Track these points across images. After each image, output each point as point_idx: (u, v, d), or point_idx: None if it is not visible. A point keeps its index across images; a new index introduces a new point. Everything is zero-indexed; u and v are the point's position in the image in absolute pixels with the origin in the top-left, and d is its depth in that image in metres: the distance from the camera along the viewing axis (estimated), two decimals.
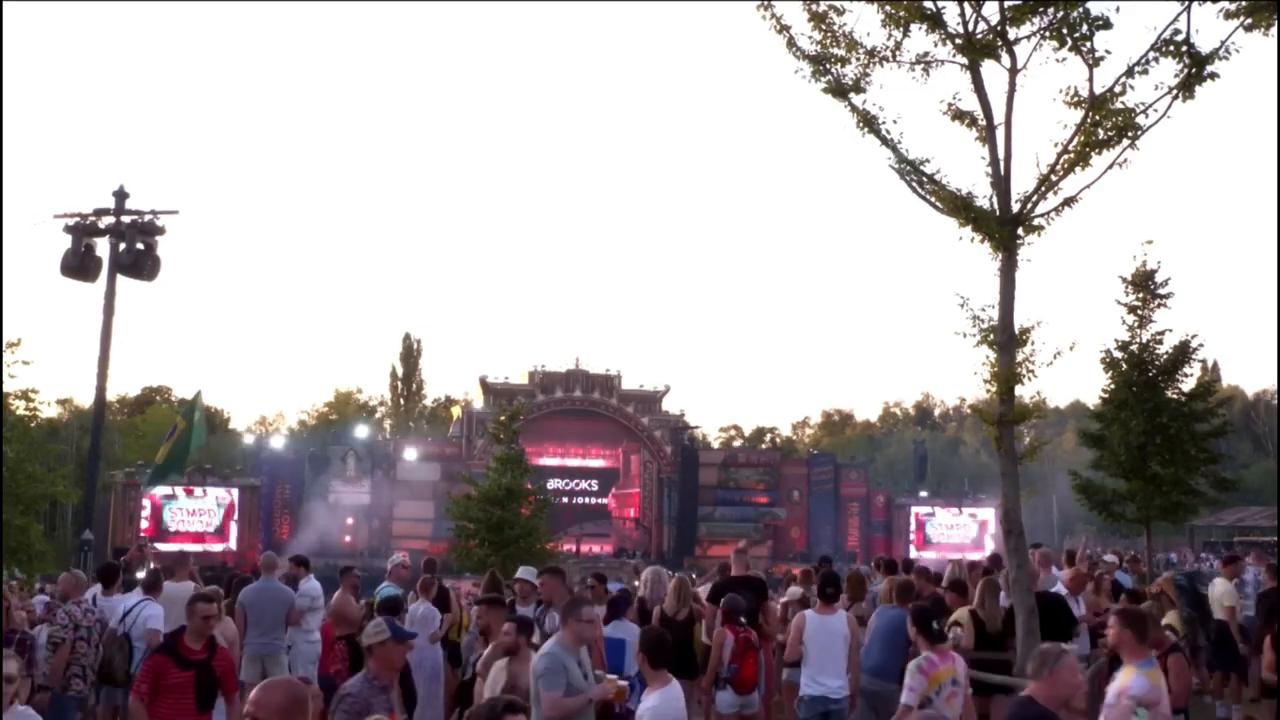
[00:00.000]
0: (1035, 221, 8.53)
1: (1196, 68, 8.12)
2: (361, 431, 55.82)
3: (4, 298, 14.72)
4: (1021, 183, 8.60)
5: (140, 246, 11.45)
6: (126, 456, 53.23)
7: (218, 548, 42.89)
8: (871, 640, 8.45)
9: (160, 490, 41.97)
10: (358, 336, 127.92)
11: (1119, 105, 8.31)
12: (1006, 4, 8.39)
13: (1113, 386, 18.59)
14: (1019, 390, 8.54)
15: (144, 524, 42.79)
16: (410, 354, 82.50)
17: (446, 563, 33.25)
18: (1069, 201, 8.52)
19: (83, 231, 11.50)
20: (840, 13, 8.85)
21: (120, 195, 11.63)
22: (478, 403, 53.69)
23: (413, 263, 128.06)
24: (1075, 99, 8.46)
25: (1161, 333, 18.38)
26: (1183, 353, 18.24)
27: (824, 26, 8.85)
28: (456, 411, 57.57)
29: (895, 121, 8.70)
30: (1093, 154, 8.35)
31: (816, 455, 60.48)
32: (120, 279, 11.52)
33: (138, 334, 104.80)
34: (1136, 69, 8.24)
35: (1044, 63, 8.51)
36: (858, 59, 8.85)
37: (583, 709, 5.92)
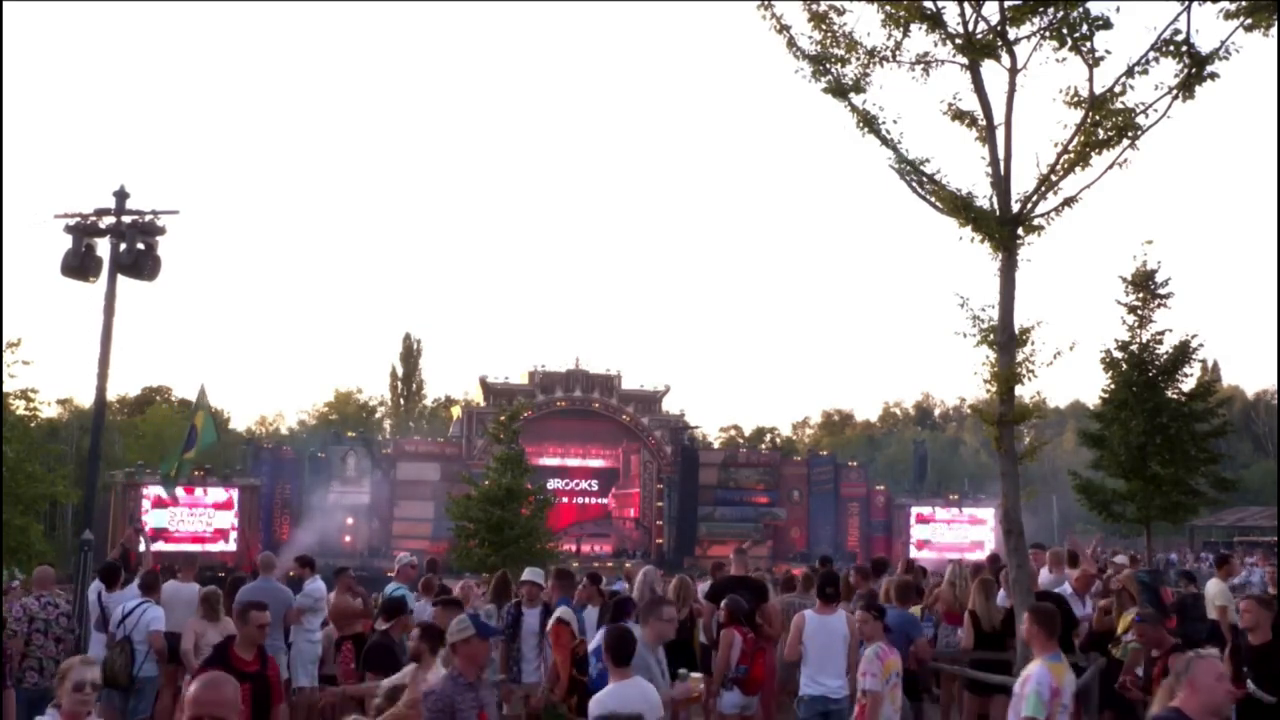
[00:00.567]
0: (1035, 221, 8.53)
1: (1196, 68, 8.12)
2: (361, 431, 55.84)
3: (4, 298, 14.72)
4: (1021, 183, 8.60)
5: (140, 246, 11.42)
6: (126, 456, 53.20)
7: (217, 548, 42.86)
8: None
9: (161, 490, 42.01)
10: (358, 336, 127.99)
11: (1119, 105, 8.31)
12: (1006, 4, 8.38)
13: (1113, 386, 18.62)
14: (1019, 390, 8.54)
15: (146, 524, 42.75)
16: (410, 354, 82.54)
17: (447, 563, 33.29)
18: (1069, 201, 8.52)
19: (83, 231, 11.48)
20: (840, 13, 8.84)
21: (120, 195, 11.62)
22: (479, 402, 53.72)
23: (413, 263, 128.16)
24: (1075, 99, 8.46)
25: (1161, 333, 18.42)
26: (1183, 353, 18.27)
27: (824, 26, 8.85)
28: (456, 411, 57.57)
29: (895, 121, 8.70)
30: (1093, 154, 8.35)
31: (816, 455, 60.45)
32: (120, 279, 11.50)
33: (138, 334, 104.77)
34: (1136, 69, 8.24)
35: (1044, 63, 8.51)
36: (858, 59, 8.84)
37: (664, 708, 5.98)
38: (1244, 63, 8.40)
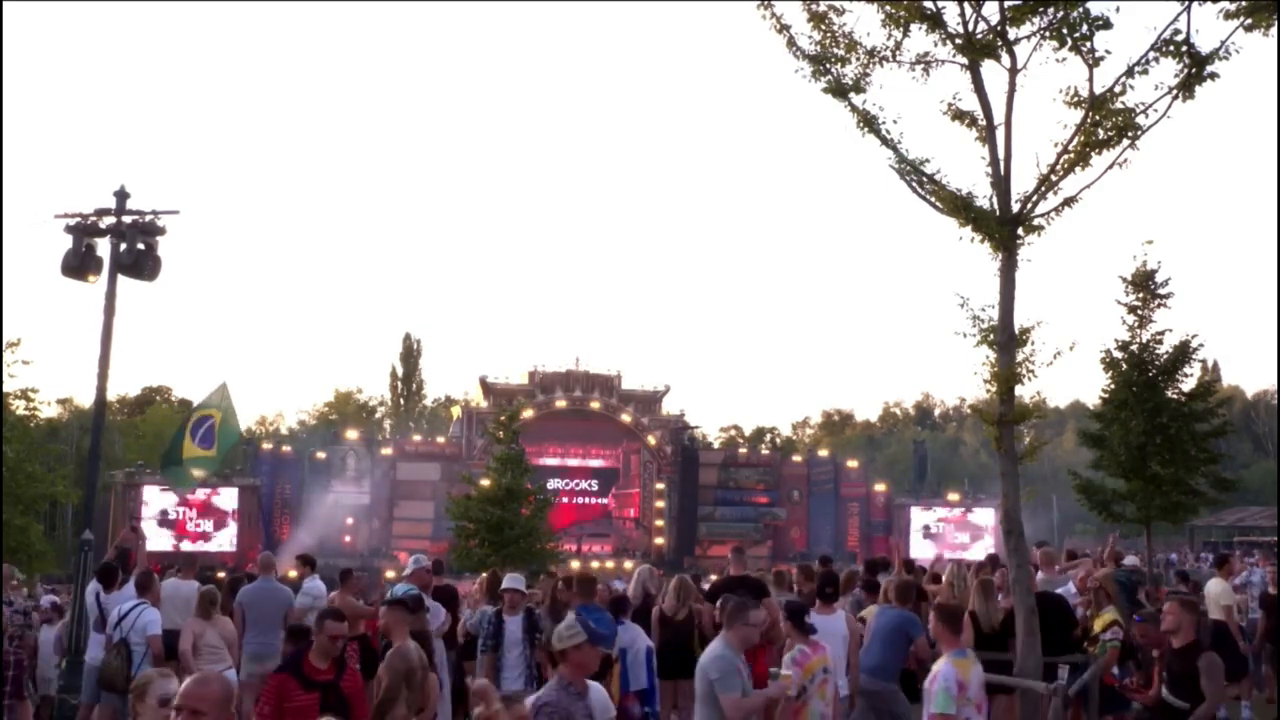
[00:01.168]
0: (1035, 221, 8.53)
1: (1196, 68, 8.12)
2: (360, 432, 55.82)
3: (4, 298, 14.71)
4: (1021, 183, 8.60)
5: (141, 246, 11.40)
6: (126, 456, 53.25)
7: (217, 548, 42.84)
8: (871, 640, 8.45)
9: (158, 490, 42.08)
10: (358, 336, 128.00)
11: (1119, 105, 8.30)
12: (1006, 4, 8.38)
13: (1113, 386, 18.60)
14: (1019, 390, 8.54)
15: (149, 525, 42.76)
16: (410, 354, 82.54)
17: (446, 563, 33.29)
18: (1069, 201, 8.51)
19: (83, 231, 11.45)
20: (840, 13, 8.84)
21: (121, 195, 11.60)
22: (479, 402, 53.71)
23: (413, 263, 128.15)
24: (1075, 99, 8.46)
25: (1161, 333, 18.39)
26: (1183, 353, 18.25)
27: (824, 26, 8.85)
28: (456, 411, 57.51)
29: (895, 121, 8.70)
30: (1093, 154, 8.35)
31: (816, 455, 60.43)
32: (120, 279, 11.48)
33: (138, 334, 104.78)
34: (1136, 69, 8.23)
35: (1044, 63, 8.50)
36: (858, 59, 8.84)
37: (760, 709, 6.01)
38: (1244, 63, 8.40)
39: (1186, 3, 8.11)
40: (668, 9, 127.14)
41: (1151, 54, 8.19)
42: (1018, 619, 8.37)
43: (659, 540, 51.76)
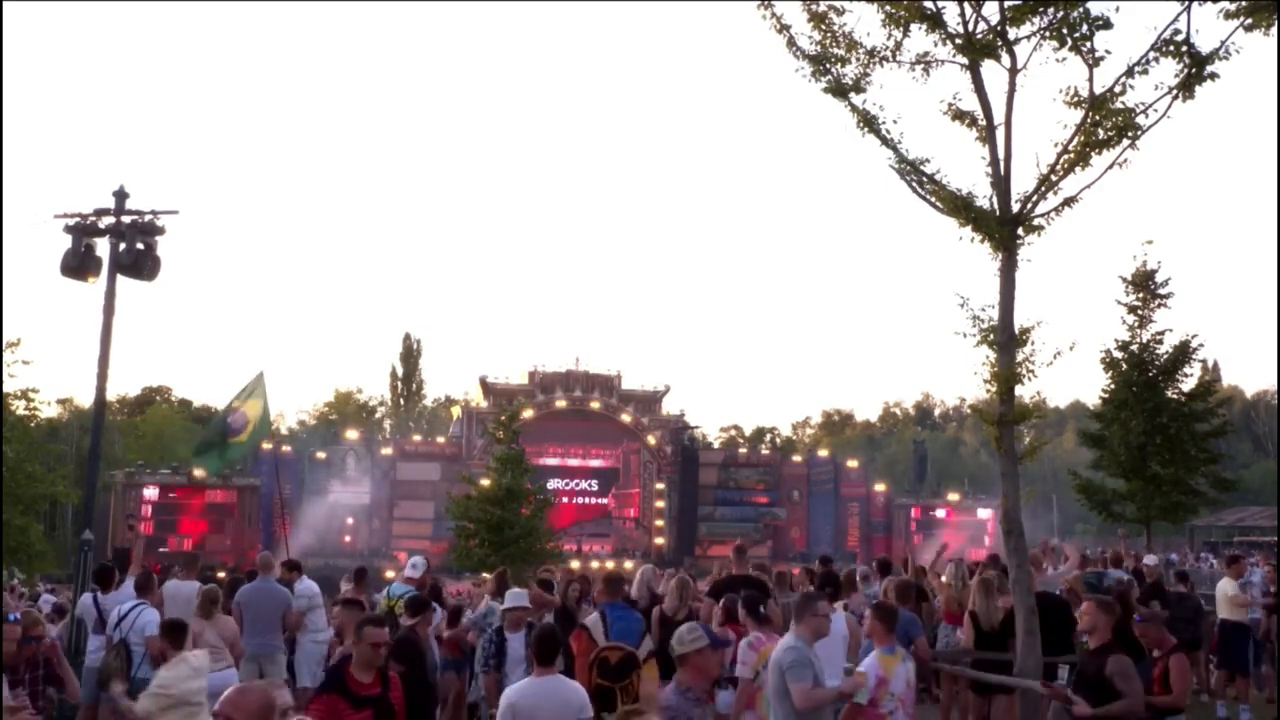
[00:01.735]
0: (1035, 221, 8.51)
1: (1196, 68, 8.11)
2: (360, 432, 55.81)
3: (4, 298, 14.70)
4: (1021, 183, 8.58)
5: (140, 246, 11.40)
6: (126, 456, 53.23)
7: (216, 548, 42.82)
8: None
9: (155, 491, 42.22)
10: (358, 336, 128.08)
11: (1119, 105, 8.29)
12: (1006, 4, 8.37)
13: (1113, 386, 18.62)
14: (1019, 390, 8.52)
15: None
16: (410, 354, 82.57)
17: (446, 563, 33.31)
18: (1069, 201, 8.50)
19: (83, 231, 11.45)
20: (840, 13, 8.83)
21: (120, 195, 11.60)
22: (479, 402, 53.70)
23: (413, 263, 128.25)
24: (1075, 99, 8.44)
25: (1161, 333, 18.43)
26: (1183, 353, 18.27)
27: (824, 26, 8.83)
28: (456, 411, 57.53)
29: (895, 121, 8.68)
30: (1093, 154, 8.33)
31: (816, 455, 60.43)
32: (120, 279, 11.48)
33: (138, 334, 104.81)
34: (1136, 69, 8.22)
35: (1044, 63, 8.48)
36: (858, 59, 8.82)
37: (829, 701, 6.08)
38: (1244, 63, 8.38)
39: (1186, 3, 8.10)
40: (668, 9, 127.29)
41: (1151, 54, 8.18)
42: (1018, 619, 8.35)
43: (659, 540, 51.76)
